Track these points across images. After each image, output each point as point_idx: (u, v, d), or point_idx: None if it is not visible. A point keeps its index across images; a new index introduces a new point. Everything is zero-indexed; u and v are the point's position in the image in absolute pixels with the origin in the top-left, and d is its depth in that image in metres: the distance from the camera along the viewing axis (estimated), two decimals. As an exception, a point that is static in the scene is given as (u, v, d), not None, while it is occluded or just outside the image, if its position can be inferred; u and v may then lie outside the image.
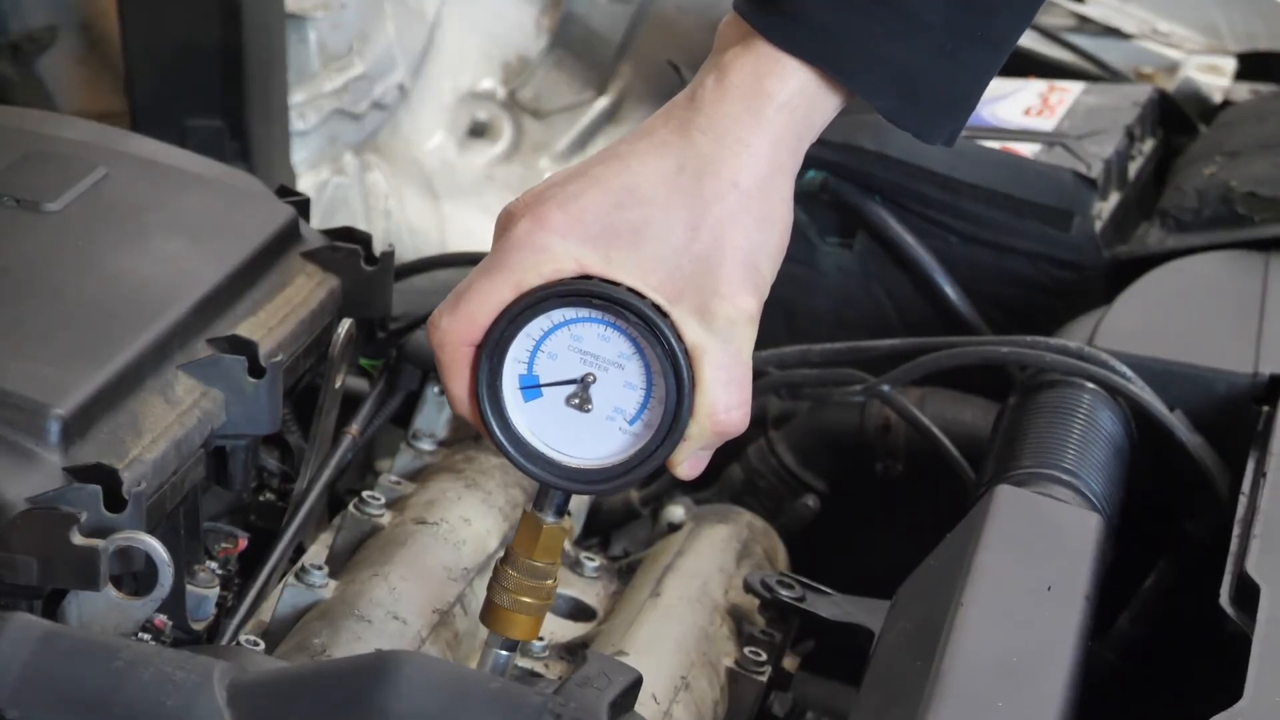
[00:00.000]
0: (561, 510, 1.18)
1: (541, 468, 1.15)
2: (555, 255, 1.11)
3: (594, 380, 1.13)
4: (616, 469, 1.14)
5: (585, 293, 1.11)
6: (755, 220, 1.10)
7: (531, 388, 1.14)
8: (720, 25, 1.13)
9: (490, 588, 1.20)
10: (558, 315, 1.12)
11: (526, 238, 1.11)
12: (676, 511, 1.68)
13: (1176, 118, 2.19)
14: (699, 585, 1.50)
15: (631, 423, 1.13)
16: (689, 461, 1.14)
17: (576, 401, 1.13)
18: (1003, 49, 1.12)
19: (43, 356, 1.25)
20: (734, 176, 1.09)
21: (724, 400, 1.12)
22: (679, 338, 1.10)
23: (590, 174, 1.11)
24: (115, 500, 1.18)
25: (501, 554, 1.20)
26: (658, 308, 1.10)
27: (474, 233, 2.49)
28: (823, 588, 1.49)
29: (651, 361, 1.12)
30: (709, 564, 1.54)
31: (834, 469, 1.85)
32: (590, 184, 1.11)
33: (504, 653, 1.21)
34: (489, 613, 1.20)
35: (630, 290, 1.10)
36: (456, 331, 1.13)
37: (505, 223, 1.13)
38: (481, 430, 1.15)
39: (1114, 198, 1.96)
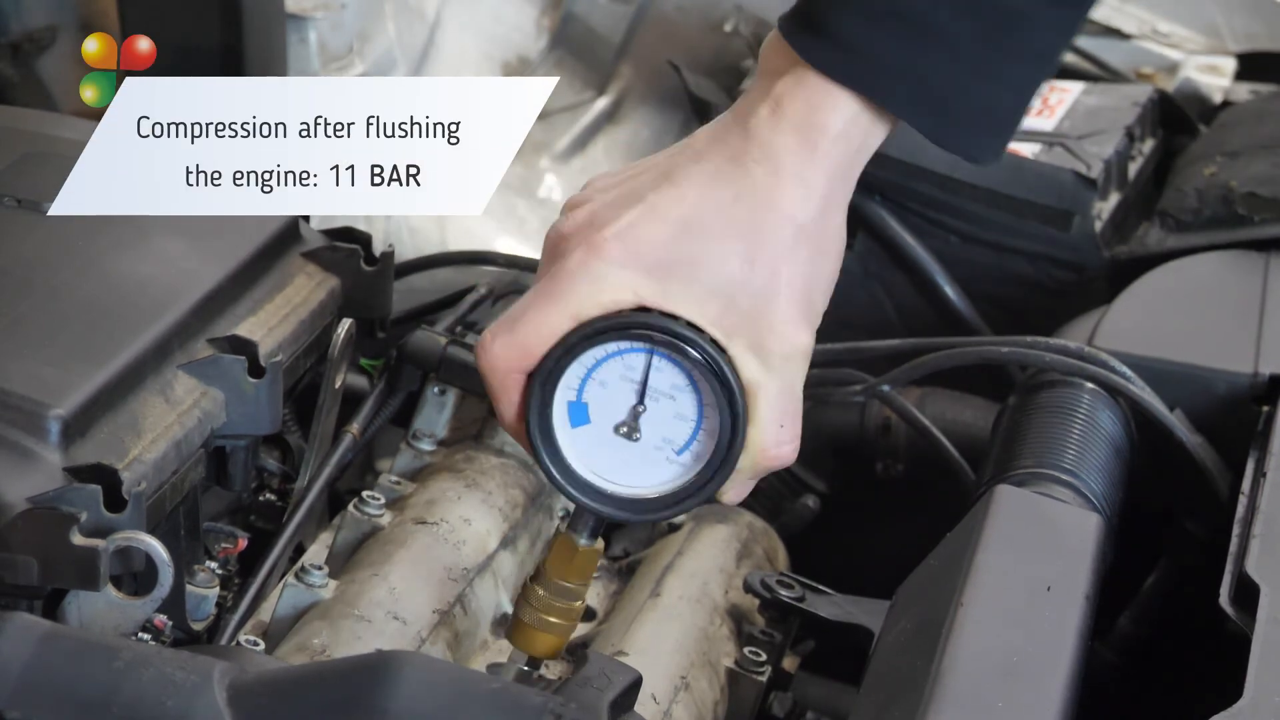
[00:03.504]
0: (596, 532, 1.18)
1: (587, 495, 1.15)
2: (613, 285, 1.10)
3: (644, 410, 1.13)
4: (664, 499, 1.14)
5: (646, 326, 1.10)
6: (810, 254, 1.10)
7: (580, 415, 1.13)
8: (764, 46, 1.12)
9: (517, 604, 1.20)
10: (612, 345, 1.11)
11: (582, 267, 1.10)
12: (677, 511, 1.68)
13: (1176, 118, 2.19)
14: (699, 585, 1.50)
15: (679, 453, 1.13)
16: (735, 489, 1.15)
17: (625, 430, 1.13)
18: (1046, 65, 1.12)
19: (43, 356, 1.25)
20: (791, 210, 1.09)
21: (776, 436, 1.12)
22: (736, 374, 1.10)
23: (646, 200, 1.10)
24: (115, 500, 1.18)
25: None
26: (716, 343, 1.10)
27: (474, 232, 2.49)
28: (823, 588, 1.49)
29: (705, 395, 1.11)
30: (709, 564, 1.54)
31: (834, 469, 1.85)
32: (647, 212, 1.10)
33: (526, 669, 1.21)
34: (515, 629, 1.20)
35: (689, 325, 1.10)
36: (509, 359, 1.12)
37: (557, 244, 1.12)
38: (529, 453, 1.15)
39: (1114, 198, 1.96)
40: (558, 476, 1.14)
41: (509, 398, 1.13)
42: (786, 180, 1.09)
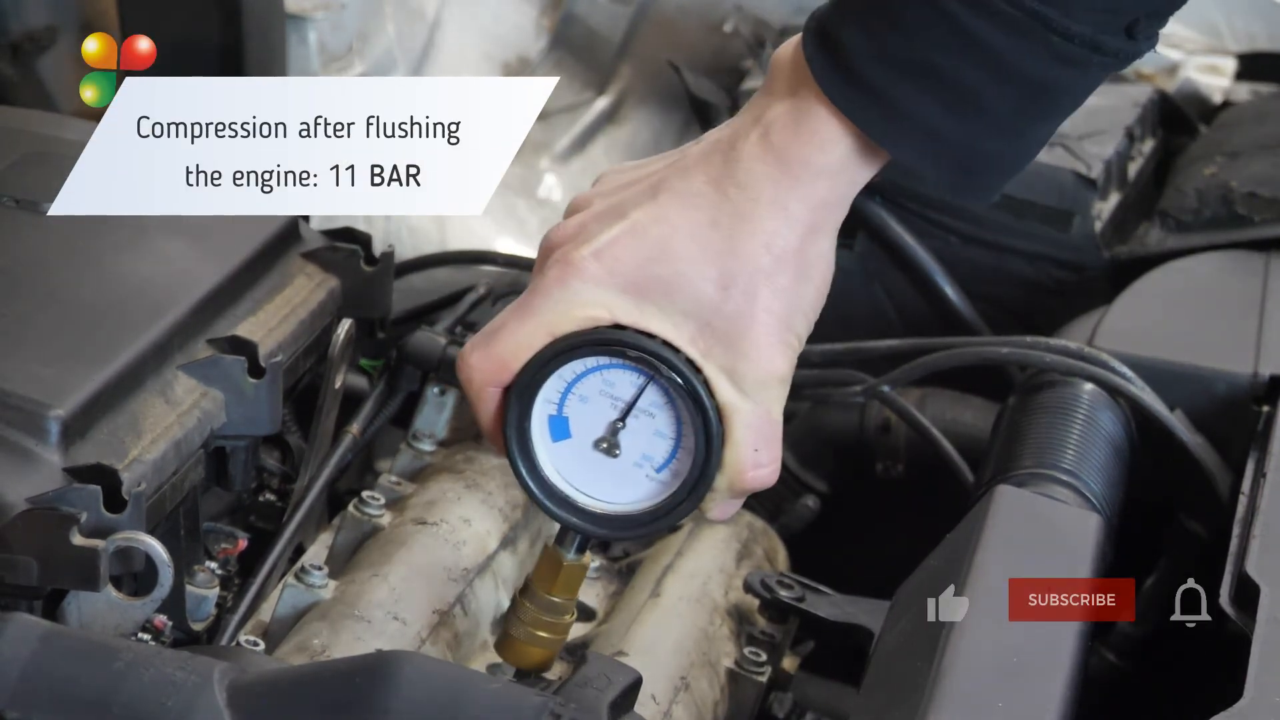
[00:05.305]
0: (583, 547, 1.18)
1: (566, 510, 1.14)
2: (587, 302, 1.10)
3: (623, 426, 1.13)
4: (641, 516, 1.14)
5: (619, 343, 1.10)
6: (790, 281, 1.09)
7: (561, 429, 1.13)
8: (777, 54, 1.11)
9: (506, 619, 1.20)
10: (591, 360, 1.11)
11: (559, 283, 1.10)
12: (677, 511, 1.68)
13: (1176, 118, 2.19)
14: (699, 585, 1.50)
15: (659, 470, 1.13)
16: (718, 508, 1.14)
17: (605, 446, 1.13)
18: (1061, 120, 1.10)
19: (43, 356, 1.25)
20: (767, 239, 1.08)
21: (753, 460, 1.11)
22: (711, 395, 1.10)
23: (629, 216, 1.10)
24: (115, 500, 1.18)
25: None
26: (691, 363, 1.10)
27: (474, 232, 2.49)
28: (823, 588, 1.49)
29: (682, 413, 1.11)
30: (709, 564, 1.54)
31: (834, 469, 1.85)
32: (626, 231, 1.10)
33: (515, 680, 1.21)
34: (504, 643, 1.20)
35: (665, 343, 1.10)
36: (486, 372, 1.12)
37: (546, 253, 1.13)
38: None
39: (1114, 198, 1.96)
40: (534, 489, 1.14)
41: (486, 409, 1.13)
42: (765, 208, 1.08)
